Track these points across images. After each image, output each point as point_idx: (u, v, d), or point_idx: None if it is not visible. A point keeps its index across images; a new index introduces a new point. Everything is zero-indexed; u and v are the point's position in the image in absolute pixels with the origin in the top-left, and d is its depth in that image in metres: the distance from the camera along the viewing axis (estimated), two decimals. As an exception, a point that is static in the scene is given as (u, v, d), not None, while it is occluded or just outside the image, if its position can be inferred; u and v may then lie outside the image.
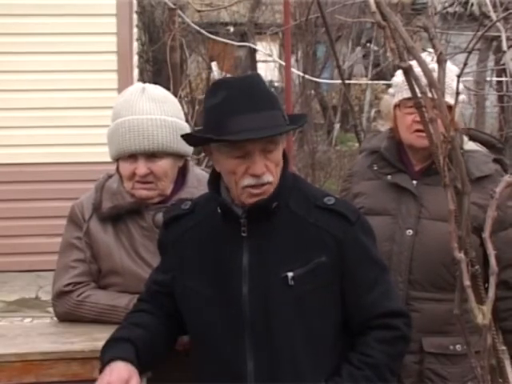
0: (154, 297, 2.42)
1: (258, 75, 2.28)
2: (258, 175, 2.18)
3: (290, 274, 2.20)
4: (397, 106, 2.95)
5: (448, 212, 1.97)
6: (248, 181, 2.19)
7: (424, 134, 2.72)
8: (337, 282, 2.24)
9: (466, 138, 2.95)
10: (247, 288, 2.22)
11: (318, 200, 2.28)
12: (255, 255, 2.23)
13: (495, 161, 2.93)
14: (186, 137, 2.33)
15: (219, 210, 2.28)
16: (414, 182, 2.90)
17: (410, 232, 2.84)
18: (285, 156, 2.28)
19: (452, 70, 2.90)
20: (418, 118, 2.72)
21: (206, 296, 2.27)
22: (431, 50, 2.88)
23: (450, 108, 2.83)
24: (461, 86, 2.89)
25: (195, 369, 2.36)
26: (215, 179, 2.32)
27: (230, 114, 2.15)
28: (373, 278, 2.28)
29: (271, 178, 2.20)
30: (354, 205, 2.84)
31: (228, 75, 14.61)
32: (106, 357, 2.25)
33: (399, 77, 2.89)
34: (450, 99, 2.80)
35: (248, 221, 2.23)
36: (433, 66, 2.77)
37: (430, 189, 2.86)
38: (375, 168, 2.96)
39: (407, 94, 2.79)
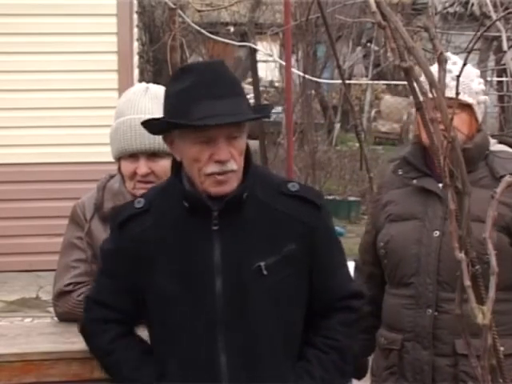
0: (122, 308, 2.32)
1: (223, 62, 2.27)
2: (223, 161, 2.14)
3: (263, 264, 2.19)
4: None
5: (449, 212, 1.97)
6: (212, 168, 2.16)
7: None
8: (306, 268, 2.25)
9: (492, 140, 2.96)
10: (221, 282, 2.18)
11: (282, 187, 2.27)
12: (227, 248, 2.20)
13: None
14: (147, 123, 2.26)
15: (185, 204, 2.22)
16: (440, 184, 2.90)
17: (436, 233, 2.83)
18: (246, 145, 2.26)
19: (472, 71, 2.95)
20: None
21: (173, 295, 2.21)
22: (449, 54, 2.93)
23: (469, 107, 2.86)
24: (482, 87, 2.93)
25: (163, 371, 2.27)
26: (177, 171, 2.27)
27: (194, 100, 2.13)
28: (339, 261, 2.34)
29: (235, 166, 2.17)
30: (384, 213, 2.90)
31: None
32: None
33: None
34: (468, 98, 2.85)
35: (219, 213, 2.20)
36: (448, 67, 2.80)
37: None
38: (400, 173, 2.95)
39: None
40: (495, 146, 2.97)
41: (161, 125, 2.23)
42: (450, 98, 2.80)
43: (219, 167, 2.16)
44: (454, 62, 2.89)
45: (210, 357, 2.19)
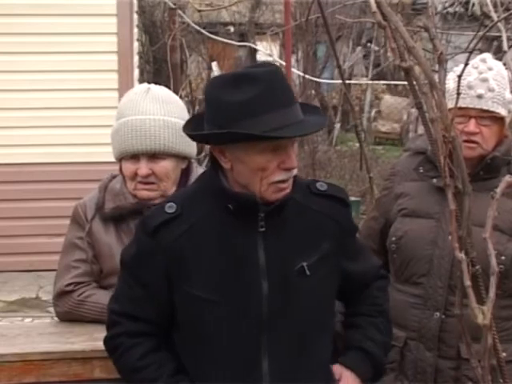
0: (153, 320, 2.26)
1: (278, 68, 2.23)
2: (292, 169, 2.17)
3: (306, 264, 2.20)
4: None
5: (449, 212, 1.97)
6: (280, 176, 2.15)
7: (472, 145, 2.72)
8: (337, 263, 2.29)
9: None
10: (267, 284, 2.17)
11: (311, 187, 2.30)
12: (271, 249, 2.19)
13: None
14: (206, 136, 2.16)
15: (230, 206, 2.18)
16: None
17: None
18: None
19: (504, 75, 2.82)
20: (466, 129, 2.70)
21: (214, 301, 2.17)
22: (487, 56, 2.79)
23: (502, 119, 2.76)
24: None
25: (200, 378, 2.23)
26: (214, 175, 2.21)
27: (266, 110, 2.07)
28: (362, 245, 2.49)
29: (295, 171, 2.20)
30: (397, 205, 2.89)
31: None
32: None
33: (450, 83, 2.75)
34: (502, 110, 2.75)
35: (265, 215, 2.19)
36: (485, 75, 2.74)
37: (474, 195, 2.79)
38: (421, 171, 2.88)
39: (453, 103, 2.56)
40: None
41: (227, 136, 2.11)
42: (484, 111, 2.73)
43: (287, 175, 2.16)
44: (490, 66, 2.77)
45: (253, 360, 2.18)
